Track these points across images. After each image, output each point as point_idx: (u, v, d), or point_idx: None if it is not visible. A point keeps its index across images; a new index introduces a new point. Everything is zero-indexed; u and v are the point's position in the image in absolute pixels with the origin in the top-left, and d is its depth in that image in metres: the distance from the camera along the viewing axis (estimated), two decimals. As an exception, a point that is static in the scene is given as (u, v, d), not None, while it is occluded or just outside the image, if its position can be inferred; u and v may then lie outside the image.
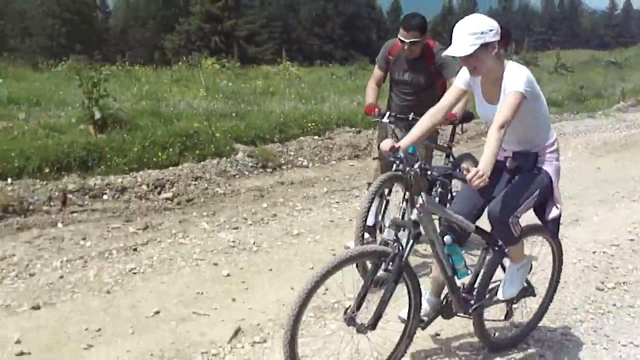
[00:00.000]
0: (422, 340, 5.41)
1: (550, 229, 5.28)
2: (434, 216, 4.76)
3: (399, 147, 4.80)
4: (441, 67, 7.05)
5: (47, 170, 8.99)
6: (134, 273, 6.84)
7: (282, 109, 14.76)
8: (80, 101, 11.30)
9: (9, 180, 8.65)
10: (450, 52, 4.61)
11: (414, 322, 4.85)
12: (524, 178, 4.97)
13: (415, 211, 4.60)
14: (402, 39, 6.90)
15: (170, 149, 10.40)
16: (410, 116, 6.71)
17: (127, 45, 67.43)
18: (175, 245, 7.70)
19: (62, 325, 5.72)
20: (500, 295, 5.18)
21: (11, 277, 6.65)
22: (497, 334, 5.56)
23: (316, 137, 12.90)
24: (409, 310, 4.87)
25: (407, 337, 4.86)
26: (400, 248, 4.54)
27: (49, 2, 76.50)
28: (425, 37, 7.02)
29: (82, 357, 5.22)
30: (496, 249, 5.10)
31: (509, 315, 5.47)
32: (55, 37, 71.41)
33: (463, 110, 6.81)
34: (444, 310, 5.14)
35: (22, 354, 5.22)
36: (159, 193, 9.30)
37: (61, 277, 6.70)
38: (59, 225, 8.08)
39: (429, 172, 4.52)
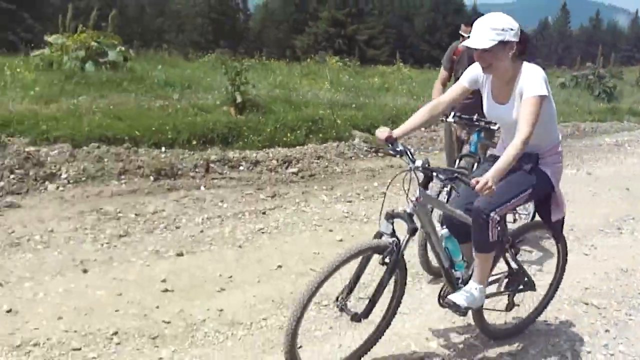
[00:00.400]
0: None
1: (554, 229, 4.80)
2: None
3: (396, 137, 4.28)
4: None
5: (194, 142, 9.27)
6: (262, 232, 7.00)
7: (395, 103, 14.76)
8: (225, 87, 11.55)
9: (163, 149, 8.98)
10: (468, 43, 4.08)
11: (391, 312, 4.42)
12: (518, 176, 4.32)
13: (410, 204, 4.16)
14: (462, 33, 6.53)
15: (298, 131, 10.55)
16: (475, 116, 6.26)
17: (263, 44, 68.02)
18: (298, 212, 7.83)
19: (200, 270, 5.92)
20: (449, 297, 4.50)
21: (161, 229, 6.93)
22: (496, 324, 5.03)
23: (423, 129, 12.85)
24: (390, 301, 4.42)
25: (383, 326, 4.43)
26: (398, 242, 4.10)
27: (200, 4, 78.04)
28: None
29: (214, 297, 5.40)
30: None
31: (510, 306, 4.88)
32: (204, 34, 72.61)
33: None
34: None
35: (166, 290, 5.45)
36: (287, 168, 9.46)
37: (201, 231, 6.93)
38: (202, 188, 8.36)
39: (434, 173, 4.10)
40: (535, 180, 4.33)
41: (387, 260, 4.09)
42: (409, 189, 4.09)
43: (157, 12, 76.78)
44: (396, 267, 4.15)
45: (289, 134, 10.38)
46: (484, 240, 4.22)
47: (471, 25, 6.35)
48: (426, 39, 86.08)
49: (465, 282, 4.54)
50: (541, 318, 5.35)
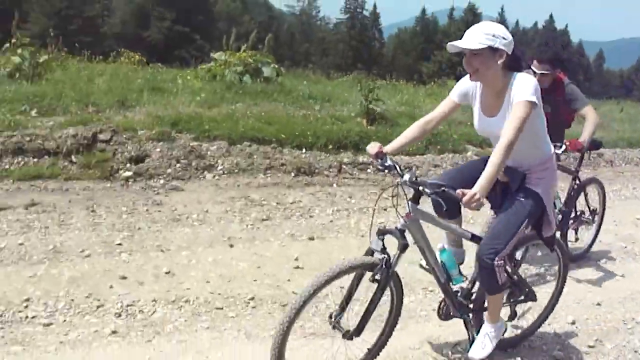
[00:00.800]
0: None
1: (546, 243, 4.18)
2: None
3: (385, 152, 3.83)
4: (570, 100, 5.92)
5: (330, 147, 9.35)
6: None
7: (506, 123, 14.41)
8: (359, 102, 11.60)
9: (304, 150, 9.13)
10: (456, 43, 3.52)
11: (389, 330, 3.94)
12: (511, 209, 3.78)
13: (401, 220, 3.66)
14: (534, 69, 5.78)
15: (419, 143, 10.42)
16: None
17: (394, 68, 67.92)
18: (415, 211, 7.77)
19: (327, 253, 5.99)
20: (468, 354, 4.03)
21: (297, 216, 7.07)
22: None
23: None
24: (389, 317, 3.94)
25: (380, 343, 3.95)
26: (388, 259, 3.58)
27: (342, 32, 79.11)
28: (557, 72, 5.89)
29: (339, 277, 5.46)
30: None
31: (512, 317, 4.34)
32: (344, 58, 73.48)
33: (590, 139, 5.72)
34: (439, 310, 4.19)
35: (297, 267, 5.58)
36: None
37: (331, 221, 7.01)
38: (334, 185, 8.44)
39: (420, 187, 3.57)
40: (528, 206, 3.79)
41: (377, 277, 3.58)
42: (397, 204, 3.64)
43: (305, 38, 78.32)
44: (387, 284, 3.66)
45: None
46: (494, 285, 3.78)
47: (540, 62, 5.74)
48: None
49: (465, 295, 4.10)
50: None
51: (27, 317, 4.50)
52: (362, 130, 10.20)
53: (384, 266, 3.57)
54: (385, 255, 3.58)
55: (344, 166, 8.96)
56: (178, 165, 8.08)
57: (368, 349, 3.93)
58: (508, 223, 3.76)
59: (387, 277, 3.60)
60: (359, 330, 3.67)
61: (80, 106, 9.58)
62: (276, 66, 14.09)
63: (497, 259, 3.66)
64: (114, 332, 4.34)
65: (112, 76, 12.34)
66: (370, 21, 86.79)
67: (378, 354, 3.95)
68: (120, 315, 4.53)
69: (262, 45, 15.37)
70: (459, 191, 3.29)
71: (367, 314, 3.67)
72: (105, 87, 10.99)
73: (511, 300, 4.27)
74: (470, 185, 3.38)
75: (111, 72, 12.98)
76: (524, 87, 3.49)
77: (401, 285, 3.85)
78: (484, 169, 3.47)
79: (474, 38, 3.50)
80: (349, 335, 3.67)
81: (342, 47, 77.15)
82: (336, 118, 10.99)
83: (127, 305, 4.67)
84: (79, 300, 4.75)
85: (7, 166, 7.79)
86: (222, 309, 4.74)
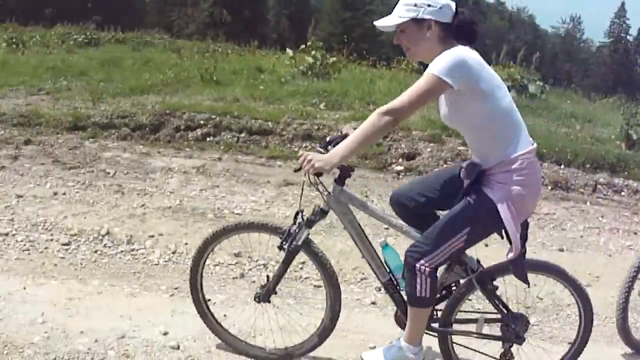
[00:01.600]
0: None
1: (513, 272, 3.05)
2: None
3: (347, 134, 3.12)
4: None
5: (587, 165, 8.76)
6: (630, 249, 6.41)
7: None
8: (620, 125, 10.79)
9: (562, 166, 8.65)
10: (376, 22, 2.89)
11: (328, 318, 3.43)
12: (455, 211, 2.90)
13: (324, 199, 3.16)
14: None
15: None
16: None
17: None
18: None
19: (573, 265, 5.35)
20: (363, 355, 3.33)
21: (549, 227, 6.81)
22: None
23: None
24: (326, 301, 3.42)
25: (324, 327, 3.48)
26: (294, 231, 3.19)
27: (604, 55, 74.06)
28: None
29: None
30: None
31: (505, 356, 3.19)
32: (604, 80, 68.56)
33: None
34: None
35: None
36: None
37: (581, 236, 6.64)
38: (587, 203, 7.89)
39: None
40: (474, 210, 2.86)
41: (284, 246, 3.24)
42: (310, 179, 3.04)
43: (567, 58, 74.54)
44: (292, 256, 3.28)
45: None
46: (411, 292, 2.93)
47: None
48: None
49: None
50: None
51: (301, 277, 4.96)
52: (620, 153, 9.40)
53: (289, 236, 3.24)
54: (293, 227, 3.25)
55: (599, 186, 8.40)
56: (445, 165, 8.15)
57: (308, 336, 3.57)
58: (446, 225, 2.93)
59: (290, 250, 3.25)
60: (265, 297, 3.41)
61: (362, 104, 10.05)
62: (541, 84, 13.64)
63: (422, 261, 2.88)
64: (373, 302, 4.57)
65: (391, 80, 12.75)
66: (633, 46, 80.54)
67: (323, 340, 3.52)
68: (380, 290, 4.70)
69: (526, 62, 14.96)
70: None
71: (274, 280, 3.39)
72: (385, 88, 11.37)
73: (503, 336, 3.25)
74: (441, 195, 3.13)
75: (390, 77, 13.41)
76: (438, 60, 2.70)
77: (325, 264, 3.40)
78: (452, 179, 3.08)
79: (395, 12, 2.83)
80: (256, 298, 3.41)
81: (604, 70, 72.23)
82: (596, 139, 10.30)
83: (388, 283, 4.85)
84: (346, 270, 5.05)
85: (296, 149, 8.47)
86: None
